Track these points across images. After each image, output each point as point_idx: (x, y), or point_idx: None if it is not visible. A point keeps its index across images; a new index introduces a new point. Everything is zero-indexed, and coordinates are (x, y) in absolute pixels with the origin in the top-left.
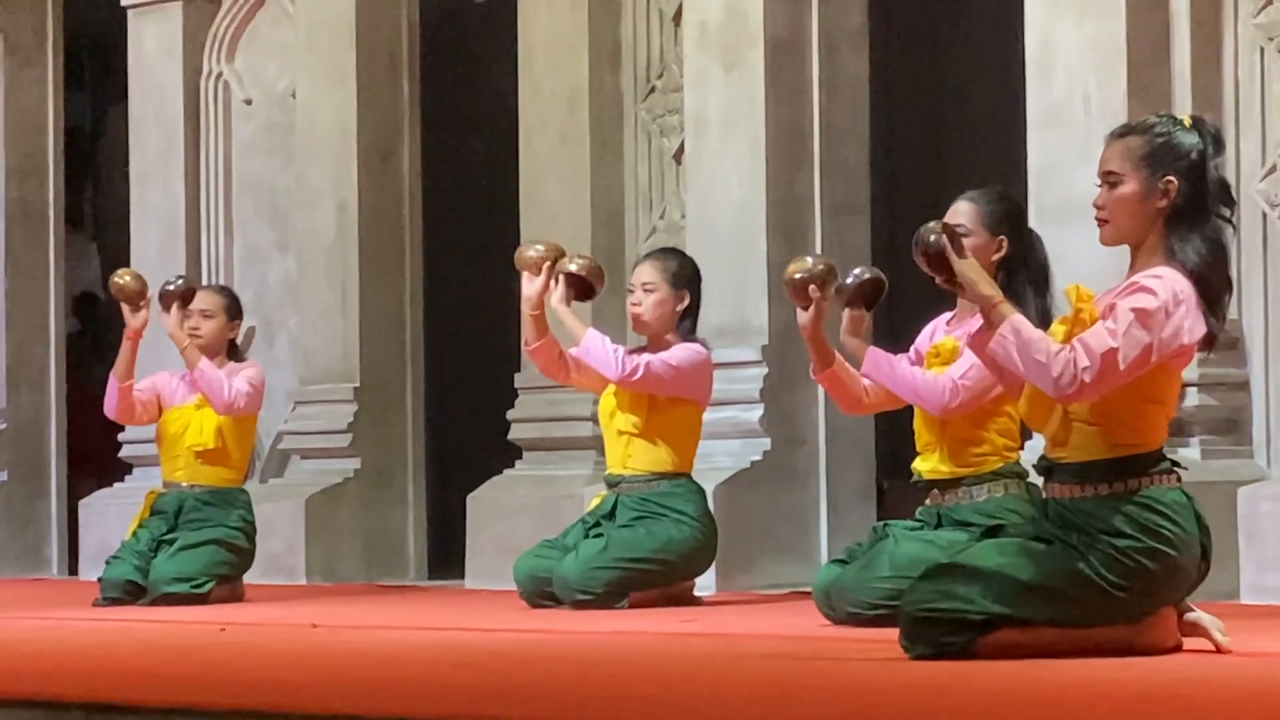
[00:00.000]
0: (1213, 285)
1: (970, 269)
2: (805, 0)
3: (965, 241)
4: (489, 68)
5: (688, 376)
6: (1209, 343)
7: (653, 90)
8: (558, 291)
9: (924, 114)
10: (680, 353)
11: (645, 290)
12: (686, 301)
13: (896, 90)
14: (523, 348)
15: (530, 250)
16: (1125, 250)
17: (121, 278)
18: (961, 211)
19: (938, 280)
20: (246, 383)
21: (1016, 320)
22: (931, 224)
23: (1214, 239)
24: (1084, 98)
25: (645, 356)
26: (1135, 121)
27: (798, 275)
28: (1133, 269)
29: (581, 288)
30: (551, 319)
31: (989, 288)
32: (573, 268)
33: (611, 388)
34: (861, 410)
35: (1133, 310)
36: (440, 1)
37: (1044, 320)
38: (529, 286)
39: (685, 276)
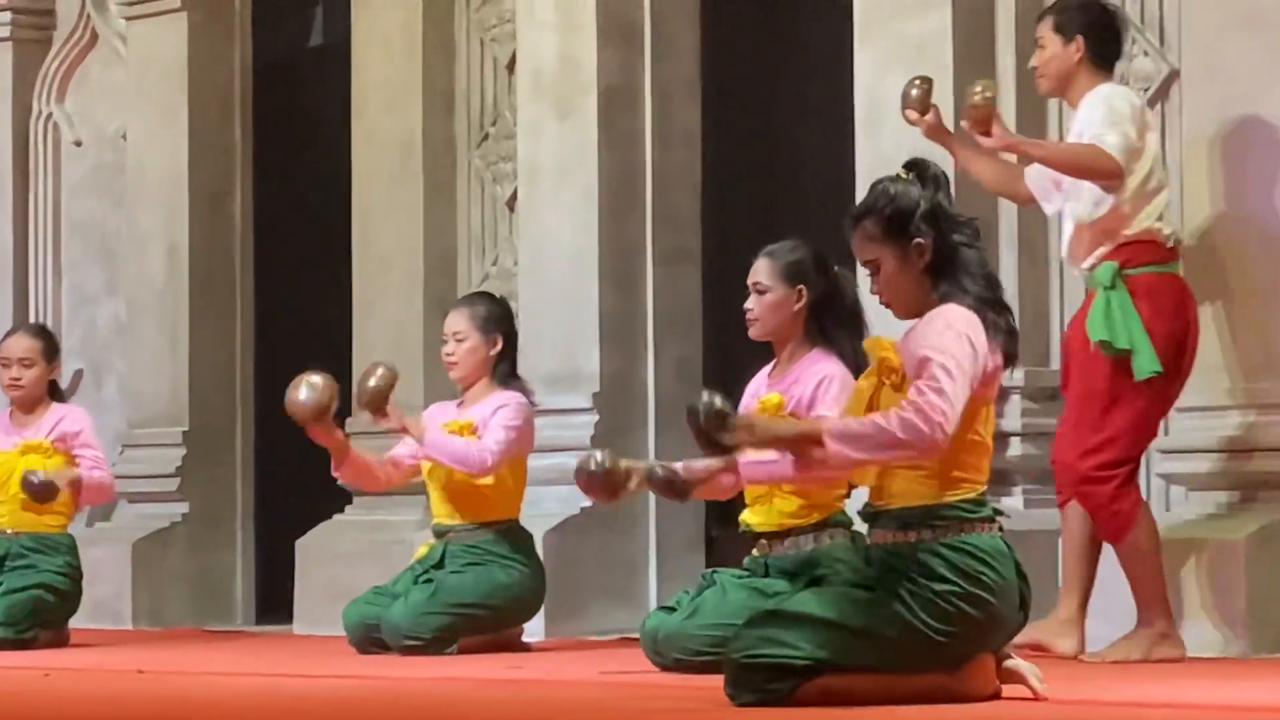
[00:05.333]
0: (991, 308)
1: (757, 429)
2: (638, 50)
3: (766, 298)
4: (322, 111)
5: (523, 434)
6: (1010, 359)
7: (486, 137)
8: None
9: (755, 164)
10: (506, 414)
11: (456, 339)
12: (500, 345)
13: (728, 141)
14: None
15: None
16: None
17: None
18: (760, 269)
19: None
20: (92, 457)
21: (829, 427)
22: (705, 396)
23: (974, 265)
24: (911, 153)
25: (485, 442)
26: (861, 204)
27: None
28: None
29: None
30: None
31: (785, 427)
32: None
33: None
34: None
35: (938, 350)
36: (273, 44)
37: (859, 359)
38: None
39: (495, 319)
